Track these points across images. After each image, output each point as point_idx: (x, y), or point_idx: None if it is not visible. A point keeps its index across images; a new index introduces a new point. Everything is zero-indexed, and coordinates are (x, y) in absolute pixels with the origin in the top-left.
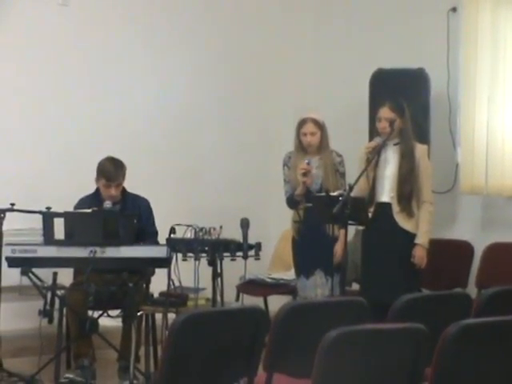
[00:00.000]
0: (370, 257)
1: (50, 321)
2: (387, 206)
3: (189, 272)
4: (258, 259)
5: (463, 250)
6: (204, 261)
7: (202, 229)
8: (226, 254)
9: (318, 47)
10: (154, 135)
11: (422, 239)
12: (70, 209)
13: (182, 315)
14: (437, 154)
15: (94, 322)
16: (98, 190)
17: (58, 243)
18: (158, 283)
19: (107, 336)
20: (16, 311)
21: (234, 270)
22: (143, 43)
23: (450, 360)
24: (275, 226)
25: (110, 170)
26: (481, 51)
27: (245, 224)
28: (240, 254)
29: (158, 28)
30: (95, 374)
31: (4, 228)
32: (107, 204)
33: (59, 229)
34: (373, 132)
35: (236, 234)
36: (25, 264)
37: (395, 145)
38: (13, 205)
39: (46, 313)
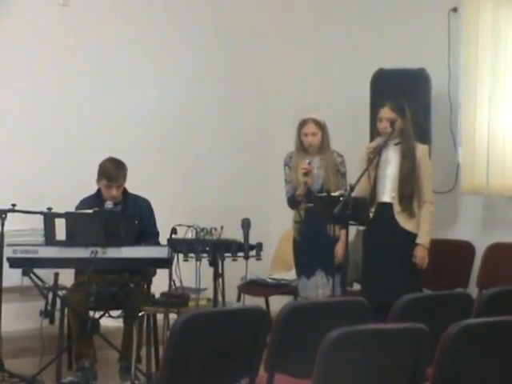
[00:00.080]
0: (371, 257)
1: (52, 321)
2: (388, 206)
3: (190, 272)
4: (259, 259)
5: (464, 250)
6: (205, 261)
7: (203, 229)
8: (227, 255)
9: (318, 47)
10: (155, 136)
11: (423, 239)
12: (72, 209)
13: (183, 315)
14: (438, 154)
15: (96, 322)
16: (99, 190)
17: (60, 244)
18: (159, 284)
19: (108, 336)
20: (17, 312)
21: (235, 270)
22: (144, 43)
23: (451, 360)
24: (276, 227)
25: (112, 170)
26: (482, 51)
27: (246, 224)
28: (241, 254)
29: (158, 28)
30: (96, 375)
31: (5, 229)
32: (108, 204)
33: (60, 229)
34: (374, 132)
35: (237, 235)
36: (26, 264)
37: (396, 145)
38: (14, 205)
39: (47, 313)
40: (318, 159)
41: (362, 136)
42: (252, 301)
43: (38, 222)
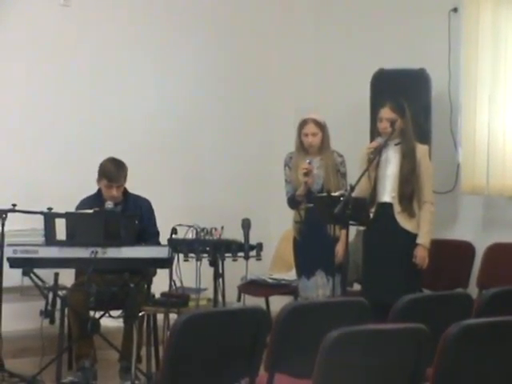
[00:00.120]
0: (371, 257)
1: (52, 321)
2: (388, 206)
3: (190, 272)
4: (260, 260)
5: (464, 250)
6: (205, 261)
7: (203, 229)
8: (227, 255)
9: (318, 47)
10: (155, 136)
11: (423, 239)
12: (72, 209)
13: (183, 315)
14: (438, 155)
15: (96, 322)
16: (99, 190)
17: (60, 244)
18: (159, 284)
19: (109, 336)
20: (17, 312)
21: (236, 270)
22: (144, 43)
23: (451, 360)
24: (276, 227)
25: (112, 170)
26: (482, 51)
27: (246, 224)
28: (241, 254)
29: (158, 29)
30: (96, 375)
31: (5, 229)
32: (109, 205)
33: (61, 229)
34: (374, 132)
35: (237, 235)
36: (26, 264)
37: (396, 145)
38: (14, 205)
39: (47, 313)
40: (318, 159)
41: (362, 136)
42: (252, 301)
43: (38, 222)
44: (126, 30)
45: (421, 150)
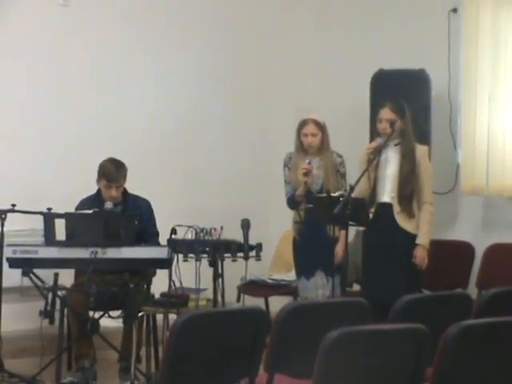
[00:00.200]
0: (371, 257)
1: (51, 321)
2: (388, 206)
3: (190, 273)
4: (259, 260)
5: (464, 250)
6: (205, 261)
7: (202, 229)
8: (226, 255)
9: (318, 48)
10: (155, 136)
11: (422, 240)
12: (71, 210)
13: (182, 316)
14: (437, 155)
15: (95, 322)
16: (99, 190)
17: (59, 244)
18: (158, 284)
19: (108, 337)
20: (17, 312)
21: (235, 270)
22: (144, 43)
23: (451, 360)
24: (276, 227)
25: (111, 171)
26: (481, 52)
27: (245, 225)
28: (241, 254)
29: (158, 28)
30: (96, 375)
31: (5, 229)
32: (108, 205)
33: (60, 230)
34: (373, 133)
35: (237, 235)
36: (26, 265)
37: (396, 145)
38: (14, 206)
39: (47, 313)
40: (318, 160)
41: (361, 136)
42: (252, 301)
43: (38, 222)
44: (126, 29)
45: (420, 150)
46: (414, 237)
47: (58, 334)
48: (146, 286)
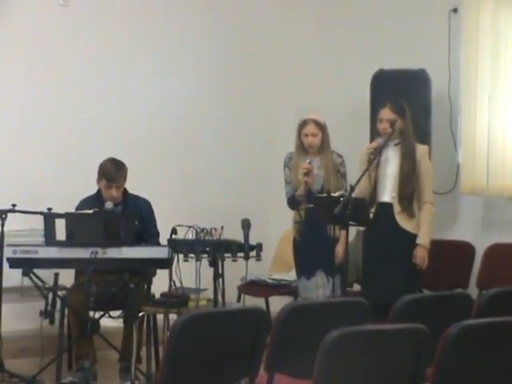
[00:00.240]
0: (371, 257)
1: (52, 322)
2: (388, 206)
3: (190, 273)
4: (259, 260)
5: (464, 250)
6: (205, 261)
7: (203, 229)
8: (227, 255)
9: (318, 48)
10: (155, 136)
11: (423, 240)
12: (72, 210)
13: (183, 316)
14: (438, 155)
15: (96, 322)
16: (99, 191)
17: (60, 244)
18: (159, 284)
19: (108, 337)
20: (17, 312)
21: (235, 270)
22: (144, 44)
23: (451, 360)
24: (276, 227)
25: (112, 171)
26: (482, 52)
27: (246, 225)
28: (241, 254)
29: (158, 28)
30: (96, 375)
31: (5, 229)
32: (108, 205)
33: (60, 230)
34: (374, 133)
35: (237, 235)
36: (26, 265)
37: (396, 145)
38: (14, 206)
39: (47, 314)
40: (318, 160)
41: (362, 136)
42: (252, 301)
43: (38, 223)
44: (126, 29)
45: (421, 150)
46: (414, 237)
47: (58, 334)
48: (146, 286)
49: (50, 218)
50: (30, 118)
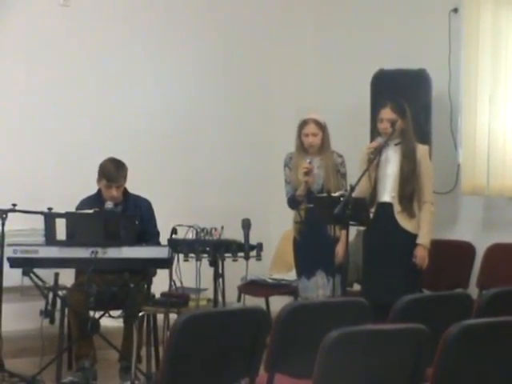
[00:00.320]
0: (371, 257)
1: (52, 321)
2: (388, 205)
3: (190, 272)
4: (260, 260)
5: (464, 250)
6: (205, 261)
7: (203, 229)
8: (227, 255)
9: (319, 48)
10: (156, 136)
11: (423, 240)
12: (72, 209)
13: (183, 316)
14: (438, 155)
15: (96, 322)
16: (99, 190)
17: (60, 244)
18: (159, 284)
19: (108, 336)
20: (17, 312)
21: (236, 270)
22: (144, 44)
23: (451, 360)
24: (276, 227)
25: (112, 170)
26: (482, 52)
27: (246, 224)
28: (241, 254)
29: (158, 29)
30: (96, 375)
31: (6, 229)
32: (109, 205)
33: (61, 229)
34: (374, 133)
35: (237, 235)
36: (26, 264)
37: (396, 145)
38: (14, 205)
39: (47, 313)
40: (318, 159)
41: (362, 136)
42: (252, 301)
43: (39, 222)
44: (126, 29)
45: (421, 150)
46: (414, 237)
47: (58, 334)
48: (146, 286)
49: (50, 217)
50: (30, 118)
